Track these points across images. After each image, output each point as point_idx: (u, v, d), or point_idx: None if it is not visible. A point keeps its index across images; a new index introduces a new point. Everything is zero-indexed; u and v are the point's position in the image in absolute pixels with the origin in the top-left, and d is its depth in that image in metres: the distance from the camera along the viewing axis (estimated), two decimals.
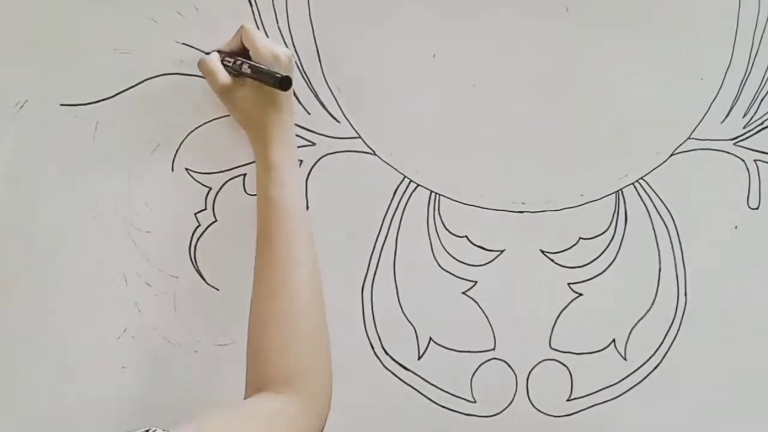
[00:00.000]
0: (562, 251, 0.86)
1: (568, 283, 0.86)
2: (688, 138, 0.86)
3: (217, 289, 0.83)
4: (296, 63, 0.81)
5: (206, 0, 0.80)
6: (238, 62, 0.76)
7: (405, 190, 0.84)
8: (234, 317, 0.83)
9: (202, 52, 0.80)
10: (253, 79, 0.75)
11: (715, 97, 0.85)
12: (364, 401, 0.85)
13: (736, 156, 0.86)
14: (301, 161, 0.83)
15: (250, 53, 0.77)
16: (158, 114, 0.81)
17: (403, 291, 0.85)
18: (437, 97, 0.83)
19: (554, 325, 0.86)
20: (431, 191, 0.85)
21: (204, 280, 0.83)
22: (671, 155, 0.86)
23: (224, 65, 0.77)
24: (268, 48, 0.76)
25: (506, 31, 0.83)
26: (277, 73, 0.72)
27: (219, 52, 0.79)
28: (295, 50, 0.81)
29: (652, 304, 0.87)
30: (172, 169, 0.82)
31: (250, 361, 0.71)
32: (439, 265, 0.85)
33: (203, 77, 0.80)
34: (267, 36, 0.80)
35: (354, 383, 0.85)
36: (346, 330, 0.84)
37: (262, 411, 0.67)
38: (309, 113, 0.82)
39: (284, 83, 0.71)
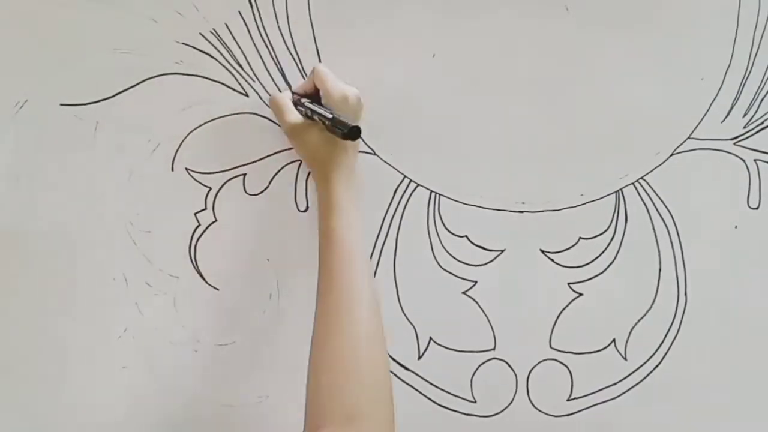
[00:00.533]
0: (562, 251, 0.86)
1: (568, 283, 0.86)
2: (688, 138, 0.86)
3: (217, 289, 0.83)
4: (301, 72, 0.81)
5: (206, 0, 0.80)
6: (309, 105, 0.76)
7: (405, 190, 0.84)
8: (234, 317, 0.83)
9: (201, 51, 0.80)
10: (323, 125, 0.75)
11: (716, 96, 0.85)
12: None
13: (736, 156, 0.86)
14: (300, 161, 0.83)
15: (321, 94, 0.77)
16: (158, 114, 0.81)
17: (403, 291, 0.85)
18: (437, 97, 0.83)
19: (554, 324, 0.86)
20: (431, 191, 0.85)
21: (204, 279, 0.83)
22: (671, 155, 0.86)
23: (295, 105, 0.78)
24: (338, 90, 0.76)
25: (506, 31, 0.83)
26: (346, 124, 0.71)
27: (292, 91, 0.80)
28: (295, 49, 0.81)
29: (652, 303, 0.87)
30: (172, 169, 0.82)
31: (309, 398, 0.70)
32: (439, 265, 0.85)
33: (203, 77, 0.80)
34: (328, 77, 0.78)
35: None
36: None
37: None
38: None
39: (352, 134, 0.70)
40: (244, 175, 0.83)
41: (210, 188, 0.83)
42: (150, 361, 0.83)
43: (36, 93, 0.80)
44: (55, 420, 0.83)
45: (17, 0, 0.78)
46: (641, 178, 0.86)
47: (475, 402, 0.86)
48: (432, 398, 0.86)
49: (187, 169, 0.82)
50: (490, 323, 0.86)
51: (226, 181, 0.83)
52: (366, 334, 0.71)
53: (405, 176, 0.84)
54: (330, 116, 0.73)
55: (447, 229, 0.85)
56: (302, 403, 0.84)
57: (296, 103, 0.78)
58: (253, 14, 0.81)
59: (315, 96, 0.78)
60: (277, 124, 0.82)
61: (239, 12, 0.80)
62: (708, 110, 0.85)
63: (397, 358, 0.85)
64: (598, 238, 0.86)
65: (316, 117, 0.75)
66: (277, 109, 0.78)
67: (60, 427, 0.83)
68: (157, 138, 0.81)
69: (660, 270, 0.87)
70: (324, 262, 0.74)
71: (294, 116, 0.77)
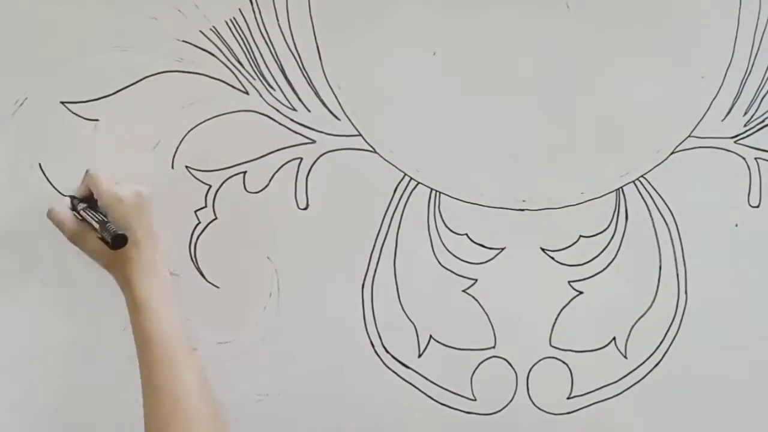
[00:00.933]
0: (562, 249, 0.86)
1: (569, 281, 0.86)
2: (689, 136, 0.86)
3: (217, 287, 0.83)
4: (302, 70, 0.81)
5: None
6: (80, 212, 0.76)
7: (405, 188, 0.84)
8: (234, 315, 0.83)
9: (201, 49, 0.80)
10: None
11: (716, 95, 0.85)
12: (364, 399, 0.85)
13: (736, 154, 0.86)
14: (301, 159, 0.83)
15: (95, 197, 0.76)
16: (158, 111, 0.81)
17: (404, 289, 0.85)
18: (438, 95, 0.83)
19: (554, 323, 0.86)
20: (432, 189, 0.85)
21: (204, 277, 0.83)
22: (672, 153, 0.86)
23: (73, 211, 0.77)
24: (110, 194, 0.75)
25: (507, 29, 0.83)
26: (109, 233, 0.71)
27: (72, 197, 0.79)
28: (296, 47, 0.81)
29: (653, 302, 0.87)
30: (173, 167, 0.82)
31: None
32: (440, 263, 0.85)
33: (203, 74, 0.80)
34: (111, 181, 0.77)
35: (354, 381, 0.85)
36: (346, 328, 0.84)
37: None
38: (309, 111, 0.82)
39: (116, 243, 0.71)
40: (245, 173, 0.83)
41: (210, 186, 0.82)
42: None
43: (36, 90, 0.80)
44: (55, 417, 0.83)
45: None
46: (642, 176, 0.86)
47: (475, 400, 0.86)
48: (432, 396, 0.86)
49: (187, 167, 0.82)
50: (490, 321, 0.85)
51: (227, 179, 0.82)
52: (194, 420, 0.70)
53: (405, 174, 0.84)
54: (96, 225, 0.73)
55: (447, 227, 0.85)
56: (303, 401, 0.84)
57: (74, 208, 0.77)
58: (254, 12, 0.80)
59: (93, 200, 0.77)
60: (277, 122, 0.82)
61: (239, 9, 0.80)
62: (708, 108, 0.85)
63: (397, 356, 0.85)
64: (598, 236, 0.86)
65: (88, 218, 0.74)
66: (55, 221, 0.77)
67: (60, 424, 0.83)
68: (157, 136, 0.81)
69: (660, 268, 0.87)
70: (142, 361, 0.73)
71: (71, 225, 0.76)
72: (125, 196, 0.75)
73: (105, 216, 0.75)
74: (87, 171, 0.78)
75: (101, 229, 0.72)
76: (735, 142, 0.86)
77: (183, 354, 0.72)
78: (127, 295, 0.74)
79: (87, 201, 0.78)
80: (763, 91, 0.85)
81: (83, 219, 0.76)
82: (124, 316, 0.83)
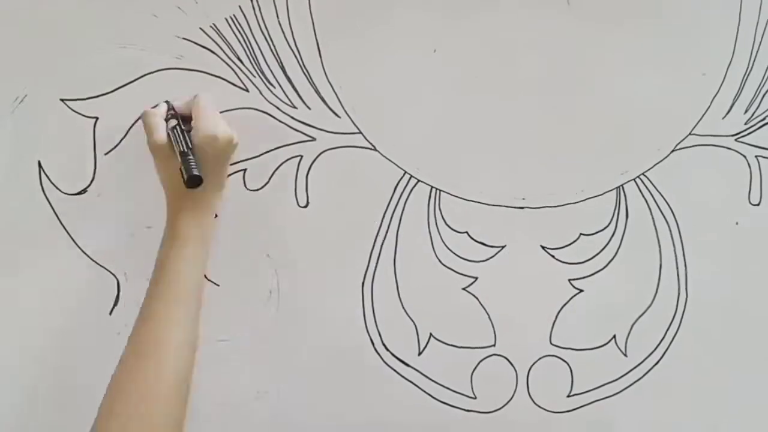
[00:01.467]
0: (562, 247, 0.86)
1: (569, 279, 0.86)
2: (690, 134, 0.85)
3: (217, 285, 0.83)
4: (302, 68, 0.81)
5: None
6: (174, 131, 0.74)
7: (405, 186, 0.84)
8: (234, 313, 0.83)
9: (201, 46, 0.80)
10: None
11: (717, 92, 0.85)
12: (364, 397, 0.85)
13: (737, 152, 0.86)
14: (301, 156, 0.83)
15: (193, 122, 0.76)
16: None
17: (404, 287, 0.85)
18: (438, 93, 0.83)
19: (555, 321, 0.86)
20: (432, 187, 0.84)
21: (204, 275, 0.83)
22: (672, 151, 0.85)
23: (167, 122, 0.76)
24: (208, 128, 0.74)
25: (507, 27, 0.83)
26: (190, 170, 0.71)
27: (169, 105, 0.78)
28: (296, 44, 0.81)
29: (653, 300, 0.87)
30: None
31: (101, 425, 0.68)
32: (440, 261, 0.85)
33: (203, 72, 0.80)
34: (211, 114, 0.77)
35: (354, 379, 0.85)
36: (346, 326, 0.84)
37: None
38: (309, 108, 0.82)
39: (190, 182, 0.71)
40: (244, 170, 0.82)
41: None
42: None
43: (36, 88, 0.80)
44: (55, 415, 0.83)
45: None
46: (642, 174, 0.86)
47: (476, 398, 0.86)
48: (432, 394, 0.86)
49: None
50: (490, 319, 0.85)
51: (227, 177, 0.82)
52: (172, 378, 0.70)
53: (405, 172, 0.84)
54: (180, 155, 0.72)
55: (447, 225, 0.85)
56: (303, 399, 0.84)
57: (168, 120, 0.76)
58: (253, 8, 0.80)
59: (190, 121, 0.76)
60: (277, 119, 0.82)
61: (239, 6, 0.80)
62: (709, 106, 0.85)
63: (397, 355, 0.85)
64: (598, 234, 0.86)
65: (175, 142, 0.74)
66: (146, 125, 0.75)
67: (60, 422, 0.83)
68: None
69: (661, 266, 0.86)
70: (150, 291, 0.72)
71: (160, 136, 0.74)
72: (221, 136, 0.75)
73: (192, 146, 0.73)
74: (197, 95, 0.77)
75: (183, 161, 0.72)
76: (736, 140, 0.86)
77: (190, 297, 0.72)
78: (168, 223, 0.75)
79: (183, 119, 0.76)
80: (764, 89, 0.85)
81: (170, 136, 0.74)
82: (123, 313, 0.83)
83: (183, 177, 0.72)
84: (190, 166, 0.71)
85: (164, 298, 0.71)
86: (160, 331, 0.70)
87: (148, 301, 0.72)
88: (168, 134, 0.74)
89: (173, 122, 0.75)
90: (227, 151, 0.76)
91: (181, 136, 0.74)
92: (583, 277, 0.86)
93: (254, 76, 0.81)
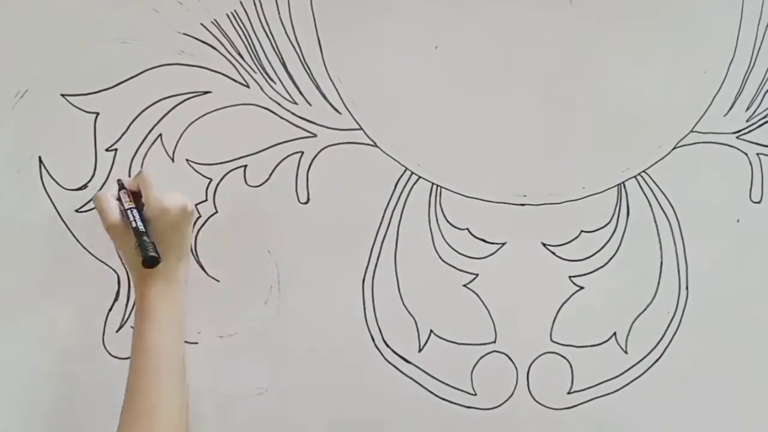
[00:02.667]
0: (563, 244, 0.86)
1: (569, 276, 0.86)
2: (691, 131, 0.85)
3: (218, 281, 0.83)
4: (303, 64, 0.81)
5: None
6: (126, 211, 0.74)
7: (406, 183, 0.84)
8: (234, 309, 0.83)
9: (202, 42, 0.80)
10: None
11: (719, 90, 0.85)
12: (364, 393, 0.85)
13: (738, 149, 0.86)
14: (302, 153, 0.82)
15: (143, 199, 0.75)
16: (159, 105, 0.81)
17: (404, 283, 0.85)
18: (439, 90, 0.83)
19: (555, 318, 0.86)
20: (433, 183, 0.84)
21: (204, 271, 0.83)
22: (674, 148, 0.85)
23: (118, 200, 0.76)
24: (158, 202, 0.74)
25: (508, 23, 0.83)
26: (144, 251, 0.71)
27: (120, 183, 0.77)
28: (297, 40, 0.81)
29: (654, 297, 0.87)
30: (173, 160, 0.82)
31: None
32: (440, 258, 0.85)
33: (204, 67, 0.80)
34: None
35: (354, 375, 0.85)
36: (346, 322, 0.84)
37: None
38: (310, 104, 0.82)
39: (147, 262, 0.71)
40: (245, 166, 0.82)
41: (211, 179, 0.82)
42: None
43: (36, 83, 0.79)
44: (54, 413, 0.83)
45: None
46: (643, 171, 0.85)
47: (476, 395, 0.86)
48: (432, 391, 0.86)
49: (187, 160, 0.82)
50: (490, 316, 0.85)
51: (227, 173, 0.82)
52: None
53: (406, 168, 0.84)
54: (136, 234, 0.72)
55: (448, 221, 0.85)
56: (303, 395, 0.84)
57: (119, 197, 0.76)
58: (255, 4, 0.80)
59: (140, 196, 0.77)
60: (278, 115, 0.82)
61: (240, 2, 0.80)
62: (711, 104, 0.85)
63: (397, 351, 0.85)
64: (599, 231, 0.86)
65: (130, 221, 0.73)
66: (99, 208, 0.75)
67: (60, 419, 0.83)
68: (158, 129, 0.81)
69: (661, 264, 0.86)
70: (133, 363, 0.73)
71: (114, 217, 0.74)
72: (172, 208, 0.75)
73: (146, 223, 0.74)
74: (140, 170, 0.78)
75: (138, 240, 0.72)
76: (737, 137, 0.86)
77: (172, 367, 0.73)
78: (138, 299, 0.75)
79: (133, 196, 0.76)
80: (766, 87, 0.85)
81: (124, 215, 0.74)
82: (123, 308, 0.83)
83: (140, 254, 0.71)
84: (145, 246, 0.71)
85: (147, 368, 0.72)
86: (149, 400, 0.71)
87: (133, 373, 0.73)
88: (121, 214, 0.74)
89: (126, 203, 0.75)
90: (182, 220, 0.75)
91: (132, 216, 0.74)
92: (584, 275, 0.86)
93: (255, 72, 0.81)
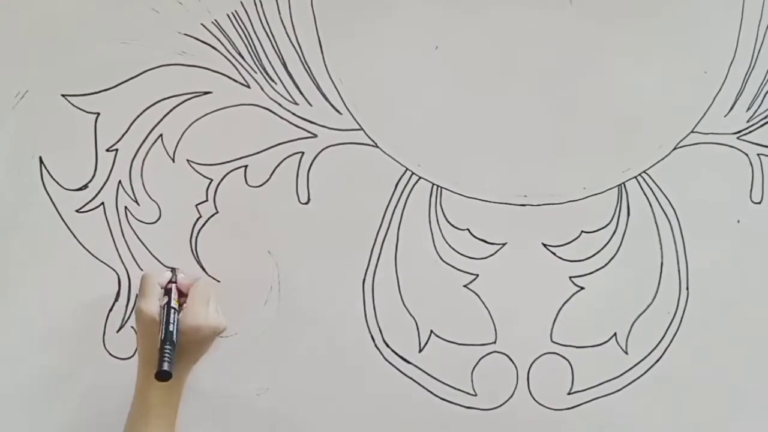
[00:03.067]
0: (563, 245, 0.86)
1: (570, 277, 0.86)
2: (691, 132, 0.85)
3: (218, 281, 0.83)
4: (303, 64, 0.80)
5: None
6: (165, 311, 0.74)
7: (407, 183, 0.84)
8: (235, 308, 0.83)
9: (203, 42, 0.80)
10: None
11: (719, 90, 0.85)
12: (364, 393, 0.85)
13: (739, 150, 0.86)
14: (302, 153, 0.82)
15: (187, 301, 0.76)
16: (160, 105, 0.81)
17: (405, 284, 0.85)
18: (440, 90, 0.83)
19: (555, 318, 0.86)
20: (433, 184, 0.84)
21: (205, 271, 0.83)
22: (674, 149, 0.85)
23: (166, 292, 0.76)
24: (194, 317, 0.75)
25: (509, 24, 0.83)
26: (161, 362, 0.70)
27: (173, 275, 0.78)
28: (297, 40, 0.81)
29: (654, 298, 0.87)
30: (174, 161, 0.82)
31: None
32: (441, 258, 0.85)
33: (205, 68, 0.80)
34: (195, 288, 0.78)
35: (354, 375, 0.85)
36: (346, 322, 0.84)
37: None
38: (311, 105, 0.82)
39: (159, 375, 0.70)
40: (246, 166, 0.82)
41: (211, 180, 0.82)
42: None
43: (36, 83, 0.79)
44: (54, 411, 0.83)
45: None
46: (644, 171, 0.85)
47: (476, 395, 0.86)
48: (432, 391, 0.86)
49: (188, 160, 0.82)
50: (491, 316, 0.85)
51: (228, 173, 0.82)
52: None
53: (407, 169, 0.84)
54: (161, 341, 0.71)
55: (449, 221, 0.85)
56: (304, 395, 0.84)
57: (166, 292, 0.76)
58: (255, 4, 0.80)
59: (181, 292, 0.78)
60: (279, 115, 0.82)
61: (241, 2, 0.80)
62: (711, 104, 0.85)
63: (397, 351, 0.85)
64: (600, 231, 0.86)
65: (162, 333, 0.73)
66: (142, 289, 0.76)
67: (60, 417, 0.83)
68: (159, 129, 0.81)
69: (662, 264, 0.86)
70: None
71: (151, 309, 0.74)
72: (206, 328, 0.75)
73: (177, 331, 0.73)
74: (200, 278, 0.79)
75: (161, 346, 0.71)
76: (738, 138, 0.86)
77: None
78: (138, 393, 0.75)
79: (178, 293, 0.77)
80: (766, 87, 0.85)
81: (162, 310, 0.74)
82: (124, 308, 0.83)
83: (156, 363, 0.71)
84: (166, 357, 0.71)
85: None
86: None
87: None
88: (160, 309, 0.75)
89: (166, 299, 0.75)
90: (210, 339, 0.77)
91: (167, 319, 0.73)
92: (584, 275, 0.86)
93: (256, 72, 0.81)
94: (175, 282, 0.78)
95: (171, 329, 0.72)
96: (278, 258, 0.83)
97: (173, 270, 0.80)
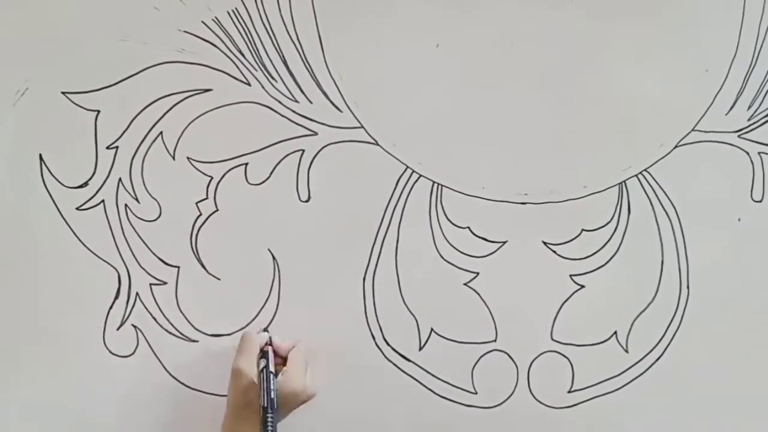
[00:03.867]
0: (564, 243, 0.85)
1: (570, 275, 0.86)
2: (693, 130, 0.85)
3: (219, 279, 0.83)
4: (304, 62, 0.81)
5: None
6: (263, 375, 0.76)
7: (407, 181, 0.84)
8: (235, 307, 0.83)
9: (203, 40, 0.80)
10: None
11: (720, 88, 0.85)
12: (364, 391, 0.85)
13: (740, 148, 0.86)
14: (303, 151, 0.82)
15: (286, 367, 0.78)
16: (160, 102, 0.81)
17: (405, 282, 0.85)
18: (440, 87, 0.83)
19: (556, 316, 0.86)
20: (433, 182, 0.84)
21: (205, 269, 0.83)
22: (675, 147, 0.85)
23: (262, 354, 0.78)
24: (298, 384, 0.77)
25: (509, 22, 0.83)
26: (266, 428, 0.72)
27: (269, 339, 0.80)
28: (297, 38, 0.81)
29: (654, 296, 0.87)
30: (174, 158, 0.82)
31: None
32: (441, 256, 0.85)
33: (205, 65, 0.80)
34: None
35: (355, 374, 0.85)
36: (347, 320, 0.84)
37: None
38: (311, 102, 0.82)
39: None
40: (246, 164, 0.82)
41: (211, 177, 0.82)
42: (150, 352, 0.83)
43: (37, 81, 0.79)
44: (54, 409, 0.83)
45: None
46: (645, 170, 0.85)
47: (476, 393, 0.86)
48: (432, 389, 0.86)
49: (188, 158, 0.82)
50: (491, 314, 0.85)
51: (228, 171, 0.82)
52: None
53: (407, 167, 0.84)
54: (263, 408, 0.73)
55: (449, 220, 0.85)
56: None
57: (262, 355, 0.78)
58: (256, 1, 0.80)
59: (280, 363, 0.79)
60: (279, 113, 0.82)
61: (242, 0, 0.80)
62: (712, 102, 0.85)
63: (398, 349, 0.85)
64: (600, 230, 0.86)
65: (262, 391, 0.74)
66: (242, 349, 0.78)
67: (60, 416, 0.83)
68: (159, 127, 0.81)
69: (662, 262, 0.86)
70: None
71: (251, 370, 0.76)
72: (303, 395, 0.77)
73: (275, 394, 0.75)
74: (299, 341, 0.81)
75: (263, 415, 0.73)
76: (739, 136, 0.86)
77: None
78: None
79: (272, 362, 0.78)
80: (767, 86, 0.85)
81: (261, 376, 0.76)
82: (124, 306, 0.83)
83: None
84: (266, 427, 0.72)
85: None
86: None
87: None
88: (259, 372, 0.76)
89: (263, 362, 0.77)
90: (302, 402, 0.79)
91: (268, 386, 0.75)
92: (585, 273, 0.86)
93: (256, 70, 0.81)
94: (271, 345, 0.80)
95: (272, 396, 0.74)
96: (278, 256, 0.83)
97: (268, 332, 0.81)
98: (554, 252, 0.85)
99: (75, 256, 0.81)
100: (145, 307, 0.82)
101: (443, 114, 0.83)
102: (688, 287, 0.86)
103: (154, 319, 0.83)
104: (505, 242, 0.85)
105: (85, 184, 0.81)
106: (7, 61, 0.79)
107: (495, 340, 0.86)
